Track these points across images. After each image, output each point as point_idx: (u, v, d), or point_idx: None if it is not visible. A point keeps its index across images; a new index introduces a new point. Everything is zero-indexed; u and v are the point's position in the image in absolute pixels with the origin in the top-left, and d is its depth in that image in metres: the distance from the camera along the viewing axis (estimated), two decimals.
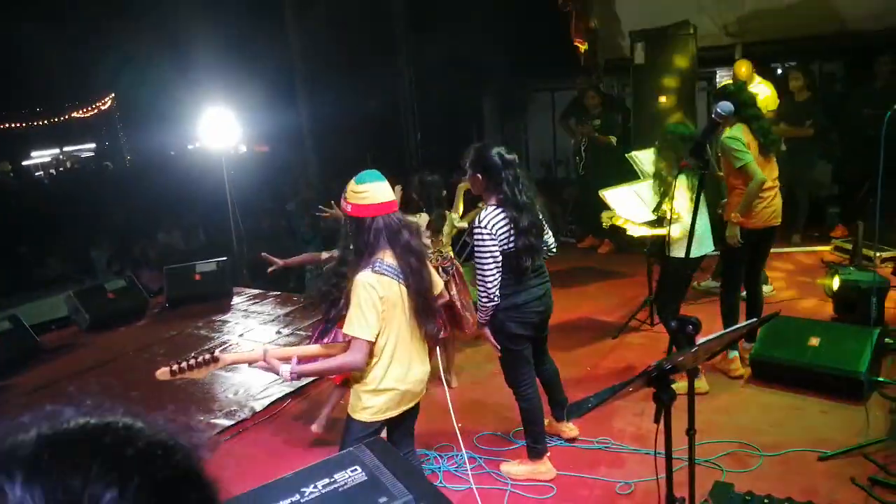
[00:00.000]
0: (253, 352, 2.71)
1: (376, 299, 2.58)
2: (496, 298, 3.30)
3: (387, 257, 2.64)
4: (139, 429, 0.68)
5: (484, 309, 3.37)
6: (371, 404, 2.72)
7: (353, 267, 2.69)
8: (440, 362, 3.02)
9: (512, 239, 3.27)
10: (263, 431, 4.59)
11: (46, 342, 6.73)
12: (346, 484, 1.57)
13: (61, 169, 21.73)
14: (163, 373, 2.49)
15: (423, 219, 4.61)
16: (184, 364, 2.48)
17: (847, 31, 7.49)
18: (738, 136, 4.22)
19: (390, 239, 2.65)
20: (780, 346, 4.35)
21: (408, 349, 2.73)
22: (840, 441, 3.57)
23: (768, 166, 4.43)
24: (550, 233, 3.63)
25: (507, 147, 3.42)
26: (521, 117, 11.84)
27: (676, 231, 3.98)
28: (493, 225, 3.25)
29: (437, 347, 3.02)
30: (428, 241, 4.59)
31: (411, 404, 2.84)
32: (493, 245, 3.24)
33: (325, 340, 3.65)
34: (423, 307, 2.72)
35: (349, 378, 2.84)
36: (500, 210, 3.29)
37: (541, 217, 3.45)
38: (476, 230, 3.30)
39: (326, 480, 1.58)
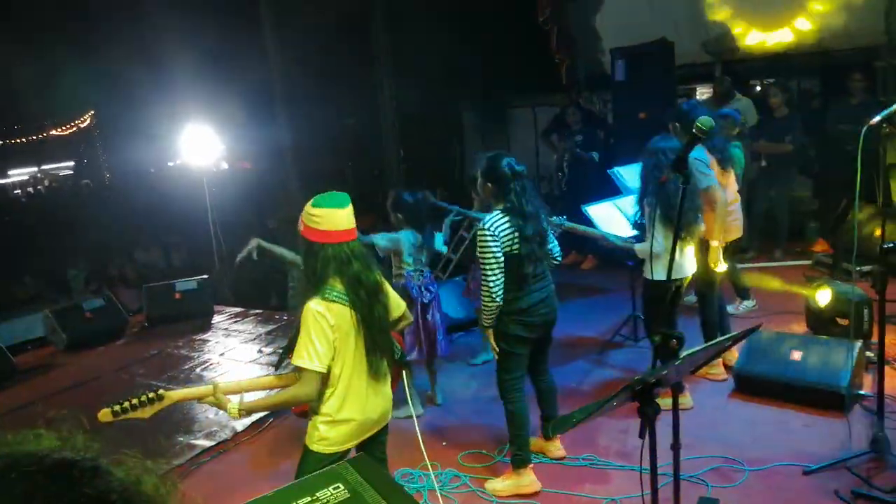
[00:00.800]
0: (202, 387, 2.54)
1: (327, 328, 2.46)
2: (499, 299, 3.39)
3: (338, 284, 2.52)
4: (81, 476, 0.64)
5: (487, 310, 3.44)
6: (328, 435, 2.59)
7: (304, 292, 2.58)
8: (406, 387, 2.87)
9: (516, 244, 3.37)
10: (245, 452, 4.52)
11: (22, 363, 6.60)
12: (327, 502, 1.53)
13: (39, 187, 21.49)
14: (104, 414, 2.30)
15: (406, 237, 4.56)
16: (126, 404, 2.33)
17: (823, 50, 7.64)
18: (702, 156, 4.27)
19: (338, 270, 2.52)
20: (763, 360, 4.37)
21: (365, 377, 2.60)
22: (824, 454, 3.58)
23: (727, 181, 4.60)
24: (555, 242, 3.72)
25: (516, 158, 3.53)
26: (502, 133, 11.89)
27: (656, 248, 3.98)
28: (497, 228, 3.36)
29: (404, 372, 2.89)
30: (410, 260, 4.58)
31: (373, 432, 2.71)
32: (496, 247, 3.35)
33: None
34: (376, 340, 2.59)
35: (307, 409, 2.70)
36: (504, 217, 3.40)
37: (545, 227, 3.58)
38: (480, 233, 3.39)
39: (308, 498, 1.54)
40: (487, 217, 3.44)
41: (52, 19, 14.09)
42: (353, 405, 2.59)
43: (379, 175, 11.46)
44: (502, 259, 3.36)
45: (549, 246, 3.65)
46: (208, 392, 2.49)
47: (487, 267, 3.36)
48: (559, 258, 3.76)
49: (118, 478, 0.68)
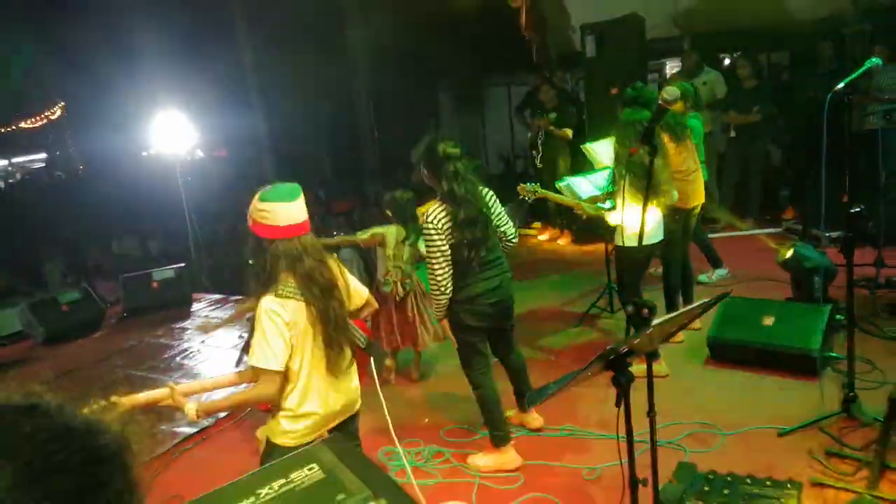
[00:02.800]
0: (158, 391, 2.43)
1: (282, 326, 2.39)
2: (448, 291, 3.38)
3: (291, 280, 2.44)
4: (47, 410, 0.67)
5: (437, 303, 3.45)
6: (291, 429, 2.55)
7: (257, 289, 2.48)
8: (374, 374, 2.83)
9: (463, 232, 3.32)
10: (228, 438, 4.52)
11: (0, 357, 6.54)
12: (303, 483, 1.55)
13: (11, 181, 21.10)
14: None
15: (391, 231, 4.67)
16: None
17: (790, 21, 7.68)
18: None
19: (289, 266, 2.43)
20: (735, 326, 4.45)
21: (325, 370, 2.54)
22: (797, 416, 3.66)
23: (685, 152, 4.73)
24: (510, 223, 3.66)
25: (454, 141, 3.43)
26: (478, 112, 11.87)
27: (627, 219, 4.03)
28: (438, 220, 3.32)
29: (371, 360, 2.83)
30: (391, 254, 4.65)
31: (337, 422, 2.68)
32: (440, 240, 3.31)
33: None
34: (332, 336, 2.51)
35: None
36: (442, 206, 3.36)
37: (486, 210, 3.46)
38: (423, 226, 3.37)
39: (283, 481, 1.55)
40: (430, 209, 3.38)
41: (14, 5, 13.73)
42: (314, 399, 2.55)
43: (355, 159, 11.40)
44: (448, 251, 3.32)
45: (502, 227, 3.59)
46: (165, 395, 2.40)
47: (433, 259, 3.33)
48: (514, 239, 3.69)
49: (83, 413, 0.71)
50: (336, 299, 2.54)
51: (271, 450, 2.59)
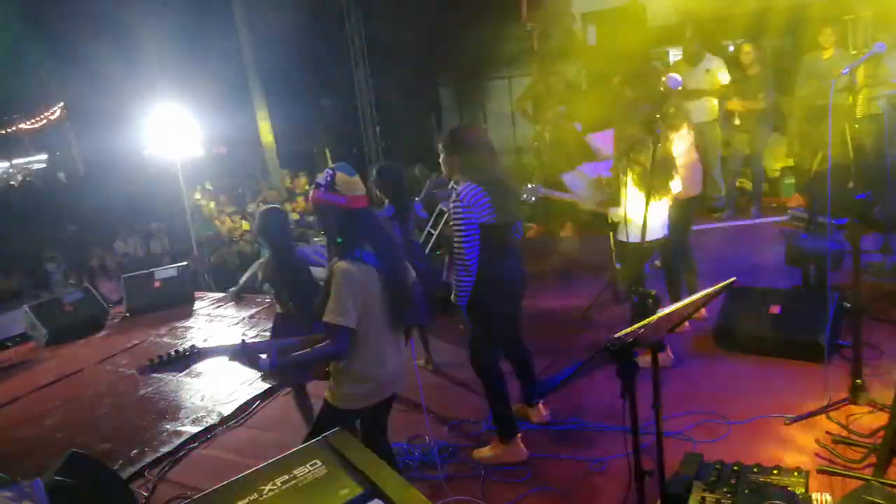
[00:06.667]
0: (232, 345, 2.65)
1: (355, 287, 2.58)
2: (474, 273, 3.31)
3: (366, 247, 2.66)
4: None
5: (462, 284, 3.34)
6: (352, 392, 2.73)
7: (331, 255, 2.71)
8: (418, 350, 3.05)
9: (493, 213, 3.29)
10: (233, 435, 4.51)
11: (4, 360, 6.55)
12: (305, 479, 1.53)
13: (12, 183, 21.15)
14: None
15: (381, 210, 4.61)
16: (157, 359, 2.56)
17: (793, 6, 7.62)
18: None
19: (365, 232, 2.68)
20: (742, 315, 4.41)
21: (386, 338, 2.74)
22: (804, 404, 3.63)
23: (678, 139, 4.58)
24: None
25: (482, 130, 3.52)
26: (479, 106, 11.82)
27: (631, 213, 3.98)
28: (473, 198, 3.28)
29: (412, 336, 3.07)
30: None
31: (388, 394, 2.85)
32: (472, 218, 3.27)
33: None
34: (401, 298, 2.74)
35: (329, 370, 2.82)
36: (478, 187, 3.31)
37: (516, 192, 3.59)
38: (454, 205, 3.29)
39: (285, 477, 1.54)
40: (461, 188, 3.33)
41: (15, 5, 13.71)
42: (375, 364, 2.72)
43: (357, 154, 11.37)
44: (478, 231, 3.28)
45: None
46: (237, 351, 2.60)
47: (465, 238, 3.27)
48: (523, 230, 3.75)
49: None
50: (406, 266, 2.79)
51: (326, 411, 2.78)
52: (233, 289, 6.21)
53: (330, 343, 2.60)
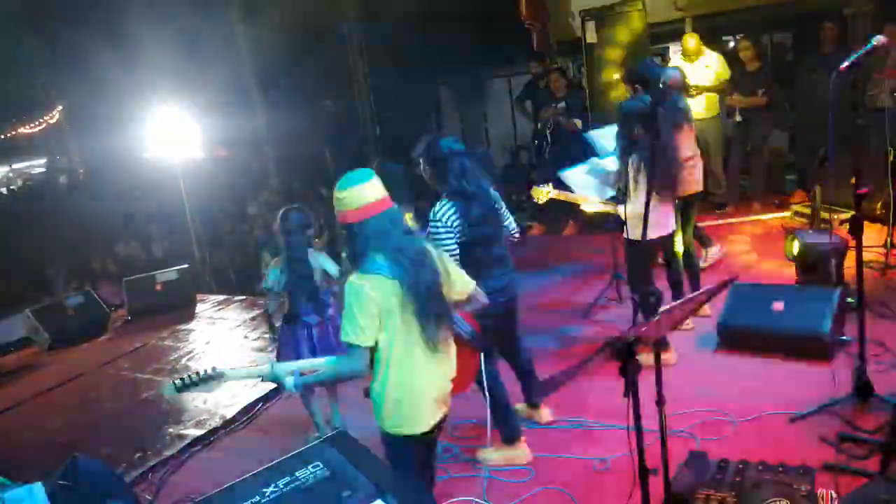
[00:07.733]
0: (259, 367, 2.70)
1: (368, 302, 2.42)
2: None
3: (378, 257, 2.48)
4: None
5: None
6: (398, 412, 2.53)
7: (350, 272, 2.56)
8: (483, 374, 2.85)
9: (468, 229, 3.25)
10: (236, 439, 4.51)
11: (5, 365, 6.54)
12: (307, 481, 1.53)
13: (12, 187, 21.15)
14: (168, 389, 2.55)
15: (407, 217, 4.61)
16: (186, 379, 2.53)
17: (793, 1, 7.60)
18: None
19: (377, 242, 2.48)
20: (745, 312, 4.39)
21: (421, 347, 2.51)
22: (808, 401, 3.61)
23: (684, 138, 4.59)
24: (511, 218, 3.63)
25: (457, 137, 3.41)
26: (479, 105, 11.80)
27: (630, 210, 3.96)
28: (447, 217, 3.25)
29: (481, 354, 2.87)
30: None
31: (441, 413, 2.64)
32: (450, 238, 3.24)
33: None
34: (425, 305, 2.49)
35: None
36: (450, 203, 3.28)
37: (496, 205, 3.43)
38: (431, 224, 3.28)
39: (288, 479, 1.53)
40: (436, 207, 3.29)
41: (10, 4, 13.67)
42: (410, 377, 2.52)
43: (357, 155, 11.35)
44: (457, 250, 3.25)
45: (505, 223, 3.55)
46: (265, 371, 2.61)
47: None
48: (516, 234, 3.65)
49: None
50: (427, 268, 2.53)
51: (386, 441, 2.57)
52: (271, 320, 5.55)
53: (347, 361, 2.51)
